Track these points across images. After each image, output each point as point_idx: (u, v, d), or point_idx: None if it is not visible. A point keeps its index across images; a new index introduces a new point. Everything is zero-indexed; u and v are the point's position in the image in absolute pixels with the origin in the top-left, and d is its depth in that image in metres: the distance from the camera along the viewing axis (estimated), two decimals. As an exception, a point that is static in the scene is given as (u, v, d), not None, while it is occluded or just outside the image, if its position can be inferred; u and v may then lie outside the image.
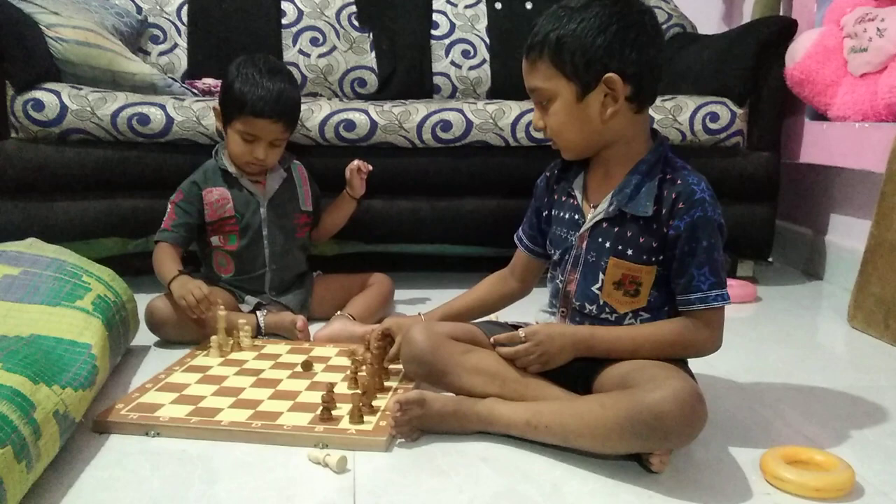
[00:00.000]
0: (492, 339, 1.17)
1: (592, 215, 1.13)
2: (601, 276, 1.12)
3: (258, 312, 1.61)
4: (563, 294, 1.19)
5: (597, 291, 1.13)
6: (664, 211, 1.07)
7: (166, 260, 1.58)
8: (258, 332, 1.58)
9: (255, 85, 1.58)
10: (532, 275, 1.32)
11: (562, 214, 1.20)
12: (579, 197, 1.16)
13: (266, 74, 1.60)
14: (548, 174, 1.25)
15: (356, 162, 1.76)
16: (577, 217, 1.16)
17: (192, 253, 1.72)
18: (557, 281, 1.20)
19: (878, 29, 1.90)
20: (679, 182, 1.08)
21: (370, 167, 1.77)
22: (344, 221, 1.83)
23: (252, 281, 1.67)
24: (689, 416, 0.95)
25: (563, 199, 1.20)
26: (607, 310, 1.13)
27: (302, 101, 1.78)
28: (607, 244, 1.12)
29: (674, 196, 1.07)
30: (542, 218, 1.25)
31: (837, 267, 2.15)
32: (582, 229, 1.14)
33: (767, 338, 1.70)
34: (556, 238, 1.21)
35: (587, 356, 1.12)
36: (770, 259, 2.21)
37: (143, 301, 1.52)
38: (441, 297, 1.95)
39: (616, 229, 1.11)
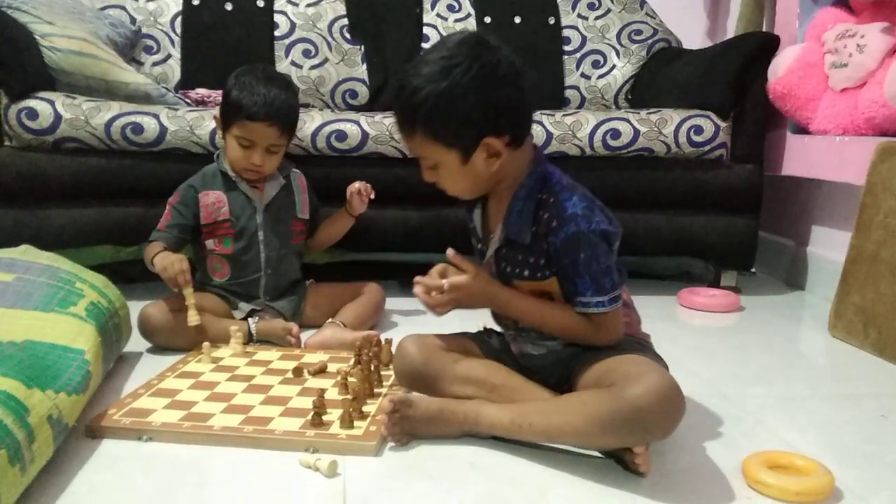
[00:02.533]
0: (416, 279, 1.17)
1: (490, 244, 1.17)
2: None
3: (250, 319, 1.63)
4: (494, 315, 1.25)
5: None
6: (540, 231, 1.11)
7: (153, 246, 1.61)
8: (249, 339, 1.60)
9: (251, 91, 1.61)
10: None
11: (475, 244, 1.24)
12: (478, 227, 1.21)
13: (262, 81, 1.63)
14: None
15: (358, 184, 1.78)
16: (480, 246, 1.22)
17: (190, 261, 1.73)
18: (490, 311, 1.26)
19: (858, 45, 1.94)
20: (552, 201, 1.10)
21: (372, 194, 1.79)
22: (340, 235, 1.86)
23: (247, 285, 1.69)
24: (667, 409, 0.98)
25: (471, 226, 1.24)
26: None
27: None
28: (508, 269, 1.16)
29: (547, 216, 1.10)
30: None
31: (819, 277, 2.19)
32: (486, 258, 1.19)
33: (750, 346, 1.73)
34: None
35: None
36: (753, 270, 2.24)
37: (135, 308, 1.53)
38: (430, 306, 1.99)
39: (510, 254, 1.15)
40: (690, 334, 1.81)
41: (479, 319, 1.69)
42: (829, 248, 2.18)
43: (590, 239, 1.08)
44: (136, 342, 1.53)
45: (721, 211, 2.11)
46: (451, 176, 1.12)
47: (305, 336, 1.62)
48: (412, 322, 1.85)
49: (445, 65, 1.03)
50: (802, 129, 2.15)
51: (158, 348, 1.56)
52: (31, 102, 1.84)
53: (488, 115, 1.05)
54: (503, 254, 1.16)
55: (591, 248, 1.08)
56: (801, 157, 2.15)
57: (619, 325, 1.14)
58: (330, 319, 1.65)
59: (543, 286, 1.14)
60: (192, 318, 1.49)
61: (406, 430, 1.11)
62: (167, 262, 1.52)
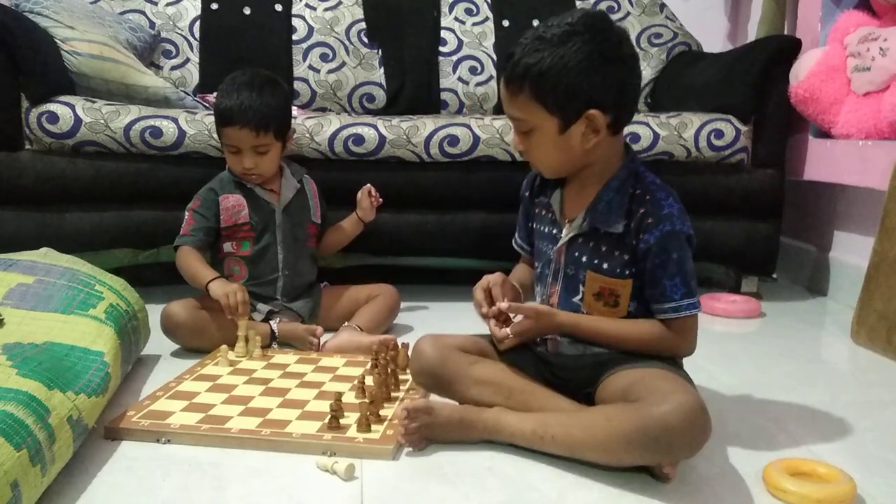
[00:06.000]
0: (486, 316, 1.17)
1: (568, 230, 1.16)
2: (581, 288, 1.16)
3: (272, 322, 1.63)
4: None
5: (578, 303, 1.16)
6: (633, 226, 1.10)
7: (198, 264, 1.61)
8: (272, 339, 1.61)
9: (227, 96, 1.63)
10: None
11: (542, 228, 1.23)
12: (557, 211, 1.19)
13: (242, 85, 1.63)
14: (530, 184, 1.28)
15: (369, 185, 1.80)
16: (554, 231, 1.19)
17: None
18: (540, 295, 1.24)
19: (881, 49, 1.92)
20: (648, 198, 1.11)
21: (381, 199, 1.80)
22: (347, 241, 1.86)
23: (264, 286, 1.69)
24: (694, 429, 0.97)
25: (543, 212, 1.23)
26: None
27: (309, 115, 1.78)
28: (584, 258, 1.15)
29: (642, 211, 1.10)
30: (530, 227, 1.29)
31: (841, 283, 2.16)
32: (559, 244, 1.17)
33: (771, 352, 1.71)
34: (537, 251, 1.25)
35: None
36: (774, 275, 2.22)
37: (153, 311, 1.54)
38: (446, 310, 1.98)
39: (591, 244, 1.14)
40: (711, 340, 1.79)
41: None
42: (851, 253, 2.15)
43: (682, 240, 1.09)
44: (154, 345, 1.53)
45: (742, 216, 2.09)
46: (544, 145, 1.12)
47: (322, 340, 1.62)
48: (428, 325, 1.84)
49: (569, 31, 1.06)
50: (825, 134, 2.12)
51: (177, 352, 1.56)
52: (51, 106, 1.86)
53: (598, 89, 1.06)
54: (579, 243, 1.15)
55: (683, 250, 1.09)
56: (823, 162, 2.13)
57: (696, 332, 1.13)
58: (346, 323, 1.65)
59: (615, 286, 1.13)
60: (240, 349, 1.49)
61: (425, 435, 1.11)
62: (228, 289, 1.52)
